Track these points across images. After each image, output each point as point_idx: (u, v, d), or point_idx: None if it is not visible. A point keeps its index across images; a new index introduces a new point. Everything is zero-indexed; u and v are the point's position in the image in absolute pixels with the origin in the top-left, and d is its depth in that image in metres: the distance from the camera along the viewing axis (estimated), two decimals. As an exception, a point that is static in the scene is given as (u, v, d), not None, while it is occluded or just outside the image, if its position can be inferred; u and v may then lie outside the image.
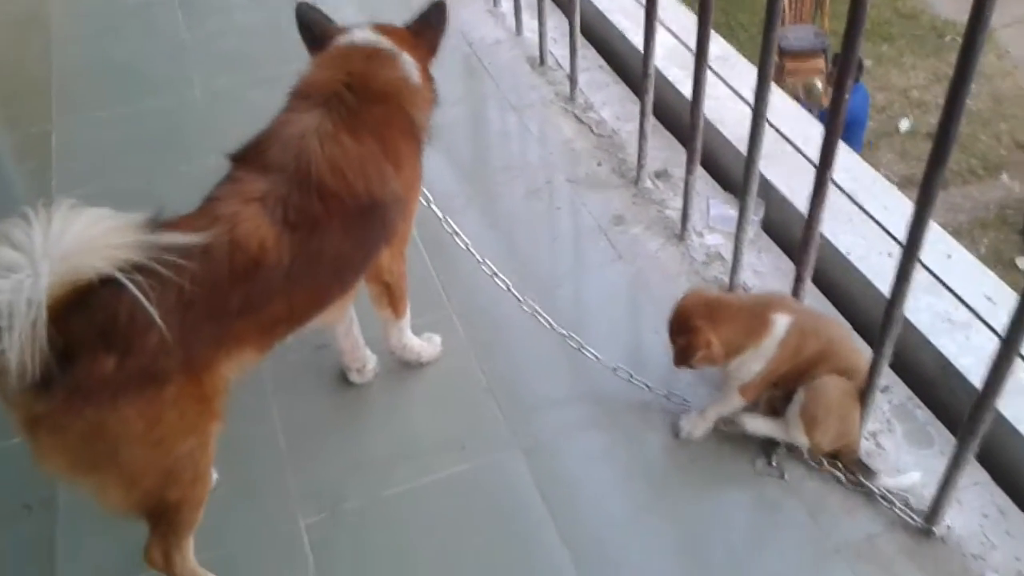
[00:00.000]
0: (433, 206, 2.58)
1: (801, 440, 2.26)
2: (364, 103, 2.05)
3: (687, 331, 2.25)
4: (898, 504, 2.19)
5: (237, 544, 2.21)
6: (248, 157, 1.97)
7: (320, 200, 1.91)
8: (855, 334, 2.47)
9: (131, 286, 1.61)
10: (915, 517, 2.16)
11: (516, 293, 2.60)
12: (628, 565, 2.15)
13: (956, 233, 6.07)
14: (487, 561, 2.17)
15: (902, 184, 6.86)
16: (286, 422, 2.48)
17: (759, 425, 2.31)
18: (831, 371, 2.25)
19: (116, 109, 3.86)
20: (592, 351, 2.53)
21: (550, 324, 2.56)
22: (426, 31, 2.27)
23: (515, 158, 3.49)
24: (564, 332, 2.55)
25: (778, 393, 2.32)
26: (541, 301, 2.67)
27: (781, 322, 2.24)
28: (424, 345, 2.59)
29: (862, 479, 2.24)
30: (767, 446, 2.34)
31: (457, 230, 2.65)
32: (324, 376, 2.59)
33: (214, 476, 2.20)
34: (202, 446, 1.87)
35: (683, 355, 2.27)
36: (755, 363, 2.25)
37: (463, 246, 2.65)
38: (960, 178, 6.89)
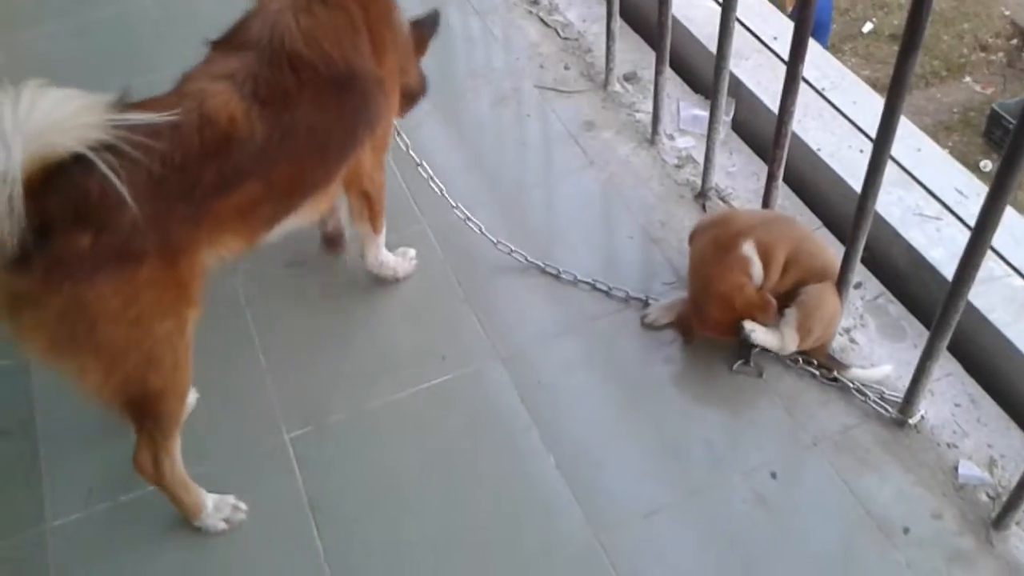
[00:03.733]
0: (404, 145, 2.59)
1: (792, 348, 2.29)
2: None
3: (747, 307, 2.28)
4: (872, 396, 2.23)
5: (223, 459, 2.21)
6: (227, 40, 1.98)
7: (292, 72, 1.92)
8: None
9: (101, 164, 1.59)
10: (889, 409, 2.21)
11: (490, 235, 2.59)
12: (610, 465, 2.18)
13: (920, 134, 6.07)
14: (472, 468, 2.20)
15: (866, 85, 6.85)
16: (264, 339, 2.46)
17: (763, 336, 2.28)
18: (804, 272, 2.28)
19: (60, 23, 3.68)
20: (571, 272, 2.54)
21: (525, 258, 2.56)
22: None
23: (480, 64, 3.41)
24: (540, 264, 2.56)
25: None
26: (513, 213, 2.63)
27: (748, 248, 2.28)
28: (400, 261, 2.57)
29: (836, 373, 2.28)
30: (743, 347, 2.36)
31: (431, 173, 2.65)
32: (299, 293, 2.57)
33: (194, 395, 2.20)
34: (179, 330, 1.85)
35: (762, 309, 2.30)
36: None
37: (438, 191, 2.64)
38: (923, 80, 6.85)
